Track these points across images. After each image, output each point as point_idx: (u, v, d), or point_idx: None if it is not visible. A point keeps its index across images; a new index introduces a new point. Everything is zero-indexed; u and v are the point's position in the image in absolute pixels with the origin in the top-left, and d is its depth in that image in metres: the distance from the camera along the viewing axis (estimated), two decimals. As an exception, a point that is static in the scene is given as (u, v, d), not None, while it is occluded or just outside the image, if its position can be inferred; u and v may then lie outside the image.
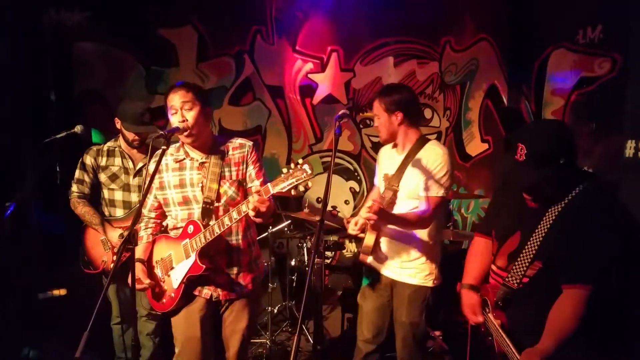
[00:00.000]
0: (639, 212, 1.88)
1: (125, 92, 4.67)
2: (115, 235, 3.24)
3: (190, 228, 2.55)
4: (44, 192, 3.92)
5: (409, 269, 2.82)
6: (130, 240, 2.10)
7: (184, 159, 2.60)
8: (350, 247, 5.26)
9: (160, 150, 2.40)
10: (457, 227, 5.59)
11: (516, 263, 1.96)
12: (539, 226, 1.90)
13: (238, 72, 5.11)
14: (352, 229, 2.76)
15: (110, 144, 3.39)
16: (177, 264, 2.57)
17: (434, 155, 2.72)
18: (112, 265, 3.22)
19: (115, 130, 3.39)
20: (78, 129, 3.29)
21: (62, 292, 4.05)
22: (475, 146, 5.66)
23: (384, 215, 2.63)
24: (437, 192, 2.69)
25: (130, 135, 3.28)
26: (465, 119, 5.61)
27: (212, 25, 4.94)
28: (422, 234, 2.78)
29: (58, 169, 3.68)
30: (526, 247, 1.93)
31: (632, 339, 1.95)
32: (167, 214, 2.68)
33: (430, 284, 2.82)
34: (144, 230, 2.68)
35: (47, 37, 4.41)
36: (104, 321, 3.48)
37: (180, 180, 2.59)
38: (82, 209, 3.28)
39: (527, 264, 1.93)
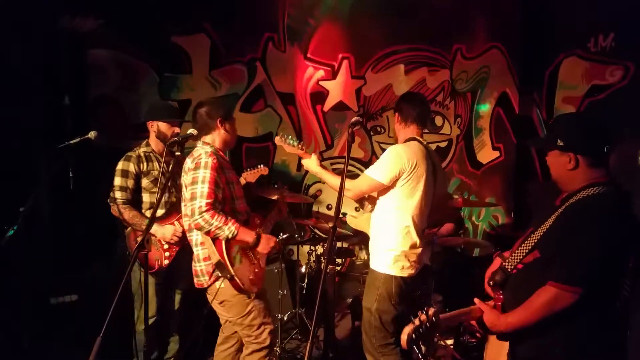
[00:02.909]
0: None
1: (139, 98, 4.72)
2: (167, 231, 3.31)
3: (256, 220, 3.01)
4: (56, 197, 3.97)
5: (372, 254, 3.12)
6: (144, 244, 2.15)
7: (224, 160, 2.89)
8: (361, 255, 5.25)
9: (175, 156, 2.48)
10: (468, 234, 5.57)
11: (518, 249, 2.00)
12: (549, 219, 1.92)
13: (250, 79, 5.13)
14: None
15: (144, 149, 3.46)
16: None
17: (389, 148, 3.05)
18: (166, 262, 3.35)
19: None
20: (92, 134, 3.32)
21: (73, 297, 4.07)
22: (486, 154, 5.65)
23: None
24: (368, 171, 3.00)
25: (170, 131, 3.40)
26: (476, 127, 5.60)
27: (224, 33, 4.98)
28: (379, 221, 3.08)
29: (71, 175, 3.70)
30: (531, 236, 1.96)
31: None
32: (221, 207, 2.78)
33: (381, 269, 3.00)
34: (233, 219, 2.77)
35: (62, 43, 4.46)
36: (119, 327, 3.47)
37: (235, 177, 2.94)
38: (130, 214, 3.32)
39: (526, 252, 1.95)
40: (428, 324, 1.88)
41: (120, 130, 4.54)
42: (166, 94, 4.89)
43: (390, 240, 3.00)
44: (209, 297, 2.89)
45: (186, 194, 2.72)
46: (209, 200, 2.61)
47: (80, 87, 4.60)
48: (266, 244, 2.86)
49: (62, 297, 3.92)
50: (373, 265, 3.08)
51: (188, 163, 2.77)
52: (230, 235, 2.67)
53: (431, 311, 1.91)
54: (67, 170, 3.68)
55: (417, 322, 1.88)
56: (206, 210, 2.60)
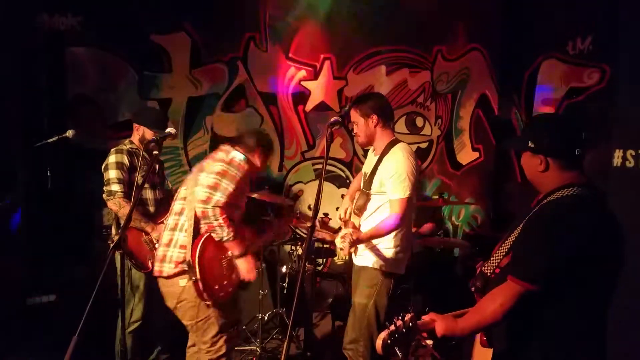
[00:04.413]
0: (626, 220, 1.86)
1: (118, 96, 4.67)
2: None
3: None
4: (34, 196, 3.91)
5: (366, 256, 3.09)
6: (119, 245, 2.12)
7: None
8: (341, 255, 5.26)
9: (153, 155, 2.46)
10: (448, 235, 5.61)
11: (495, 253, 1.97)
12: (524, 221, 1.89)
13: (231, 78, 5.11)
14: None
15: (130, 146, 3.39)
16: None
17: (396, 159, 2.95)
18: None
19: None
20: (69, 133, 3.30)
21: (51, 297, 4.02)
22: (466, 155, 5.69)
23: (359, 242, 2.93)
24: (400, 194, 2.90)
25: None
26: (456, 128, 5.65)
27: (205, 32, 4.95)
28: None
29: (49, 174, 3.65)
30: (507, 239, 1.94)
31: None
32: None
33: (383, 267, 3.03)
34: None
35: (40, 41, 4.40)
36: (105, 330, 3.42)
37: (248, 189, 2.99)
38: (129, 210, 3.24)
39: (502, 255, 1.93)
40: (404, 329, 1.85)
41: (99, 129, 4.50)
42: (146, 92, 4.85)
43: (394, 240, 3.02)
44: (163, 289, 2.79)
45: (207, 179, 2.68)
46: (226, 200, 2.65)
47: (58, 85, 4.54)
48: (246, 266, 2.84)
49: (40, 298, 3.87)
50: (371, 263, 3.05)
51: (220, 154, 2.81)
52: (224, 239, 2.70)
53: (408, 316, 1.87)
54: (44, 169, 3.64)
55: (392, 327, 1.85)
56: (220, 206, 2.64)
